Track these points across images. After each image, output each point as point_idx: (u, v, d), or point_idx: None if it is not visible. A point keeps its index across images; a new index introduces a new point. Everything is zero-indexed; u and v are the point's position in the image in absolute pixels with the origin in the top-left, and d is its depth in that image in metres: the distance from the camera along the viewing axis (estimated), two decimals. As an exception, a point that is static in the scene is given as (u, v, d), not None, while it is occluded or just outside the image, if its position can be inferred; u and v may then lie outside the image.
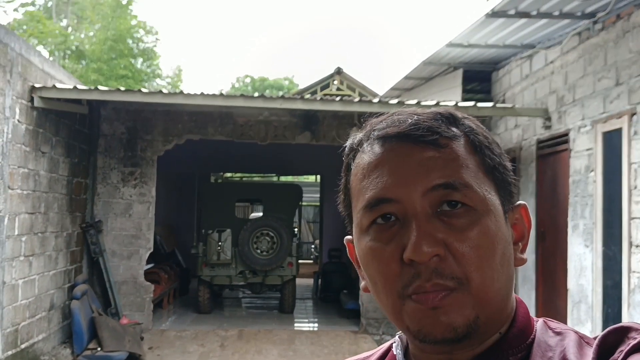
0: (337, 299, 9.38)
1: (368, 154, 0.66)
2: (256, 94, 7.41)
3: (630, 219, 4.53)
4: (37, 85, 5.63)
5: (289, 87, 30.55)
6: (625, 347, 0.57)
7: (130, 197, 7.37)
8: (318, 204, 14.68)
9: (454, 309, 0.60)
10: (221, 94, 7.02)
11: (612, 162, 4.81)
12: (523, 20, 5.43)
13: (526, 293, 6.37)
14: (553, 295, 5.98)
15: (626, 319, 4.53)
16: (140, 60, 17.88)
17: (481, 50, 6.56)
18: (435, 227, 0.61)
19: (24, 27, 15.90)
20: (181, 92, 6.57)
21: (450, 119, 0.67)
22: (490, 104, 6.64)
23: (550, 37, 5.92)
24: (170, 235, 11.08)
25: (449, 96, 7.28)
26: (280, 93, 26.49)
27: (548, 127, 6.00)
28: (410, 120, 0.65)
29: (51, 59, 11.84)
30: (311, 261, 15.67)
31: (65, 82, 6.53)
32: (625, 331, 0.59)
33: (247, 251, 8.55)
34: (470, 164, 0.64)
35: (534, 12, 5.20)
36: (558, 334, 0.65)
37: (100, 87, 6.40)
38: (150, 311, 7.37)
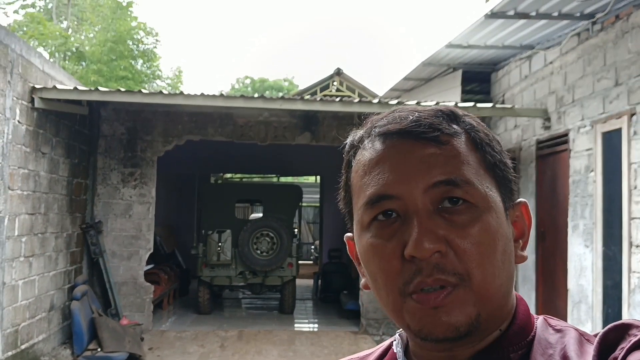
0: (337, 299, 9.37)
1: (369, 150, 0.66)
2: (256, 95, 7.41)
3: (630, 219, 4.53)
4: (37, 86, 5.64)
5: (288, 88, 30.55)
6: (626, 344, 0.57)
7: (130, 198, 7.37)
8: (318, 204, 14.68)
9: (456, 307, 0.60)
10: (221, 95, 7.02)
11: (611, 162, 4.81)
12: (522, 21, 5.43)
13: (526, 293, 6.37)
14: (553, 295, 5.98)
15: (626, 319, 4.52)
16: (140, 61, 17.88)
17: (480, 51, 6.57)
18: (436, 224, 0.61)
19: (25, 28, 15.91)
20: (181, 93, 6.57)
21: (451, 116, 0.67)
22: (489, 105, 6.65)
23: (550, 37, 5.92)
24: (170, 236, 11.08)
25: (449, 97, 7.29)
26: (280, 94, 26.50)
27: (547, 128, 6.00)
28: (411, 117, 0.65)
29: (51, 60, 11.85)
30: (311, 262, 15.66)
31: (65, 83, 6.54)
32: (626, 328, 0.59)
33: (247, 252, 8.55)
34: (471, 160, 0.64)
35: (533, 13, 5.20)
36: (558, 331, 0.65)
37: (101, 88, 6.41)
38: (150, 312, 7.37)
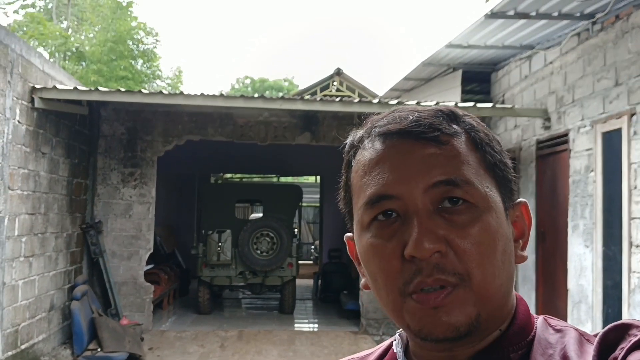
0: (337, 299, 9.37)
1: (369, 150, 0.66)
2: (256, 95, 7.41)
3: (630, 219, 4.53)
4: (37, 86, 5.64)
5: (288, 88, 30.56)
6: (626, 344, 0.57)
7: (130, 198, 7.37)
8: (318, 204, 14.68)
9: (456, 308, 0.60)
10: (221, 95, 7.02)
11: (611, 162, 4.81)
12: (522, 21, 5.43)
13: (526, 293, 6.37)
14: (553, 295, 5.98)
15: (626, 319, 4.53)
16: (140, 61, 17.88)
17: (480, 51, 6.57)
18: (436, 224, 0.61)
19: (25, 28, 15.91)
20: (181, 93, 6.57)
21: (451, 116, 0.67)
22: (489, 105, 6.65)
23: (550, 37, 5.92)
24: (170, 236, 11.08)
25: (449, 97, 7.29)
26: (280, 94, 26.50)
27: (547, 128, 6.00)
28: (411, 117, 0.65)
29: (51, 60, 11.85)
30: (311, 262, 15.66)
31: (65, 83, 6.54)
32: (626, 328, 0.59)
33: (247, 252, 8.55)
34: (472, 160, 0.64)
35: (533, 13, 5.20)
36: (558, 331, 0.65)
37: (101, 88, 6.41)
38: (150, 312, 7.37)
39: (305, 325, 8.49)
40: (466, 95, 7.41)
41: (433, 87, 8.03)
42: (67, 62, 16.50)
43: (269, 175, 15.64)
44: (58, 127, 6.26)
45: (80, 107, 6.68)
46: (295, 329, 8.01)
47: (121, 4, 16.96)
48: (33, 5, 18.30)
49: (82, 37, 17.94)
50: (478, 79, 7.58)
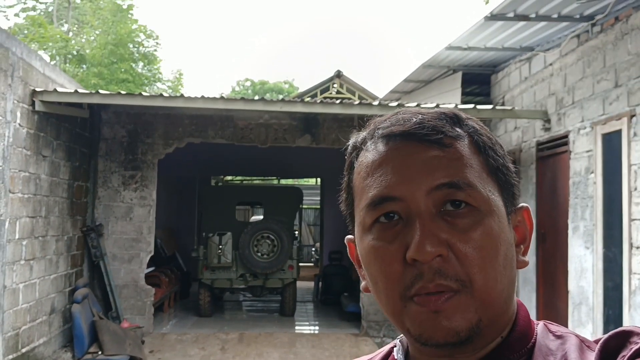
0: (337, 301, 9.37)
1: (372, 152, 0.66)
2: (256, 97, 7.42)
3: (631, 220, 4.53)
4: (38, 89, 5.64)
5: (288, 90, 30.59)
6: (627, 352, 0.56)
7: (131, 201, 7.38)
8: (318, 206, 14.68)
9: (457, 313, 0.59)
10: (222, 97, 7.02)
11: (612, 164, 4.81)
12: (522, 23, 5.44)
13: (527, 295, 6.37)
14: (554, 297, 5.97)
15: (627, 321, 4.52)
16: (140, 64, 17.91)
17: (480, 52, 6.57)
18: (439, 227, 0.61)
19: (25, 31, 15.94)
20: (182, 96, 6.57)
21: (454, 119, 0.67)
22: (489, 106, 6.65)
23: (549, 39, 5.93)
24: (171, 239, 11.08)
25: (449, 99, 7.29)
26: (281, 96, 26.51)
27: (547, 129, 6.00)
28: (414, 119, 0.65)
29: (52, 63, 11.86)
30: (312, 264, 15.65)
31: (66, 86, 6.55)
32: (627, 335, 0.58)
33: (247, 254, 8.55)
34: (474, 164, 0.64)
35: (533, 15, 5.21)
36: (559, 337, 0.64)
37: (101, 91, 6.42)
38: (151, 315, 7.37)
39: (306, 328, 8.48)
40: (466, 97, 7.41)
41: (433, 89, 8.03)
42: (67, 65, 16.52)
43: (270, 178, 15.65)
44: (59, 130, 6.27)
45: (81, 110, 6.69)
46: (296, 331, 8.00)
47: (121, 7, 17.00)
48: (34, 9, 18.34)
49: (83, 40, 17.96)
50: (478, 80, 7.59)
